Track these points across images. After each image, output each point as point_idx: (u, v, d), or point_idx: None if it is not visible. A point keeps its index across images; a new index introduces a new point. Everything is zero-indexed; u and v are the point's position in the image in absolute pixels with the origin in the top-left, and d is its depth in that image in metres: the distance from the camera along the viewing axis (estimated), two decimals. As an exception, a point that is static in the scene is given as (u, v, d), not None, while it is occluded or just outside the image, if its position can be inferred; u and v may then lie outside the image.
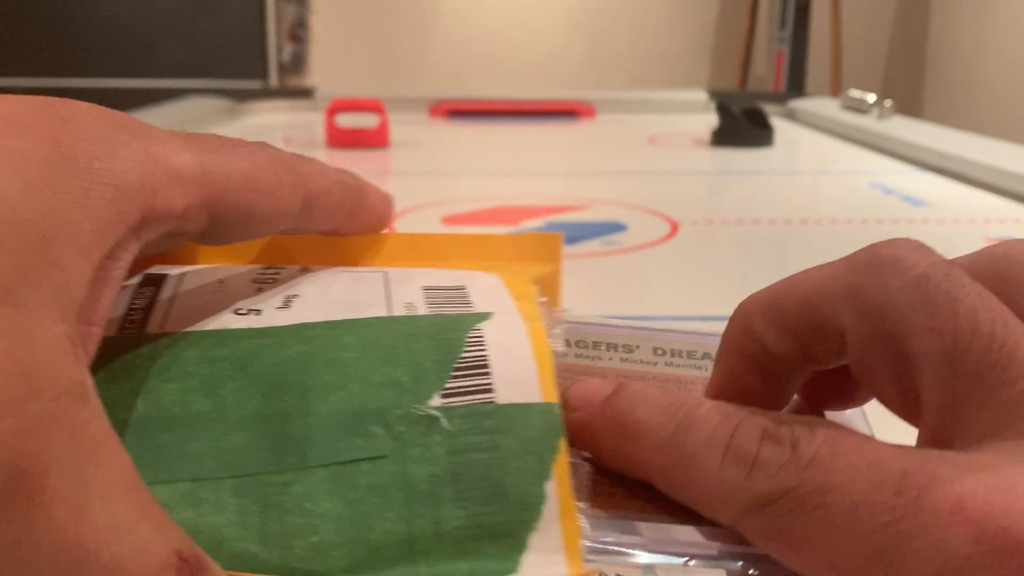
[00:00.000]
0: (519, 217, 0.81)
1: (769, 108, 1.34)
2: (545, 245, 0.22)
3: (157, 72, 2.42)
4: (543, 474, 0.15)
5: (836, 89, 2.86)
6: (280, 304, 0.17)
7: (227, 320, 0.16)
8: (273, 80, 2.70)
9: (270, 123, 1.52)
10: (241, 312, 0.16)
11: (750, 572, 0.13)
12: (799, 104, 1.56)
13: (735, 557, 0.14)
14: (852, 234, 0.76)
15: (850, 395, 0.17)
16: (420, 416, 0.15)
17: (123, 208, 0.13)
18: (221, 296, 0.17)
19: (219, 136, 0.16)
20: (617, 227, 0.77)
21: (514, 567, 0.14)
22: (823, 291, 0.15)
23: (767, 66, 3.14)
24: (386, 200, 0.19)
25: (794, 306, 0.15)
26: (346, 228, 0.19)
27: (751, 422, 0.14)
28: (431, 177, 1.09)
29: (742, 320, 0.17)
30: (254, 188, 0.16)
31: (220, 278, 0.18)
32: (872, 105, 1.32)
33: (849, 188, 1.00)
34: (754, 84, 3.19)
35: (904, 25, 3.27)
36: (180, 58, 2.47)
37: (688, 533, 0.14)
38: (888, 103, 1.28)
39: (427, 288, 0.19)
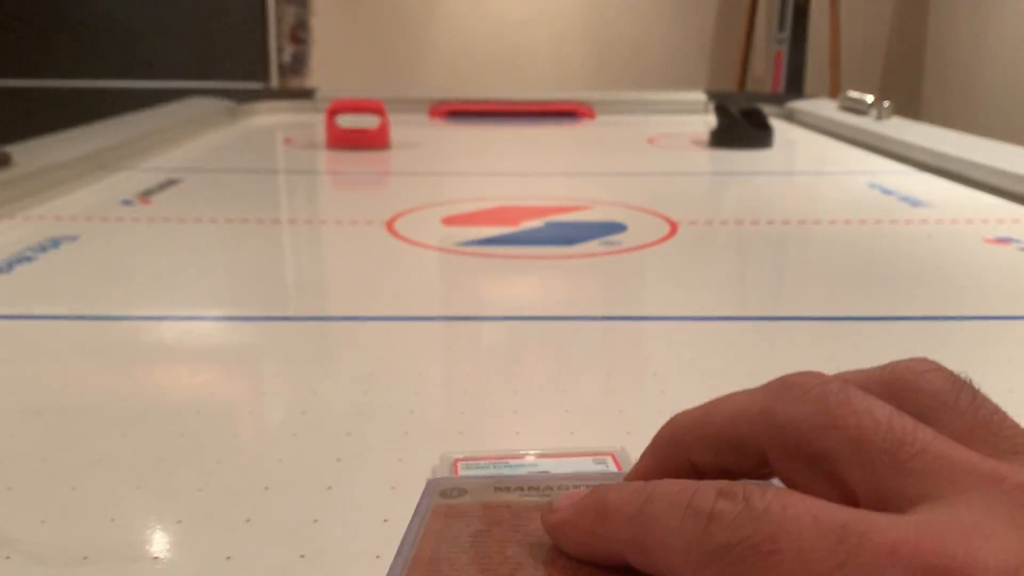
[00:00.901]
0: (519, 217, 0.82)
1: (767, 109, 1.35)
2: None
3: (160, 74, 2.43)
4: None
5: (835, 90, 2.87)
6: None
7: None
8: (274, 81, 2.70)
9: (271, 124, 1.53)
10: None
11: None
12: (797, 105, 1.57)
13: None
14: (850, 234, 0.77)
15: None
16: None
17: None
18: None
19: None
20: (617, 227, 0.78)
21: None
22: (743, 413, 0.17)
23: (766, 67, 3.16)
24: None
25: (718, 426, 0.17)
26: None
27: (707, 485, 0.15)
28: (431, 178, 1.10)
29: (673, 432, 0.19)
30: None
31: None
32: (870, 106, 1.33)
33: (847, 188, 1.01)
34: (753, 85, 3.20)
35: (902, 26, 3.28)
36: (182, 60, 2.48)
37: None
38: (886, 104, 1.29)
39: None
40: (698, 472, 0.18)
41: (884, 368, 0.17)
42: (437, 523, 0.19)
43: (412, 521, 0.19)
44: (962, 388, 0.16)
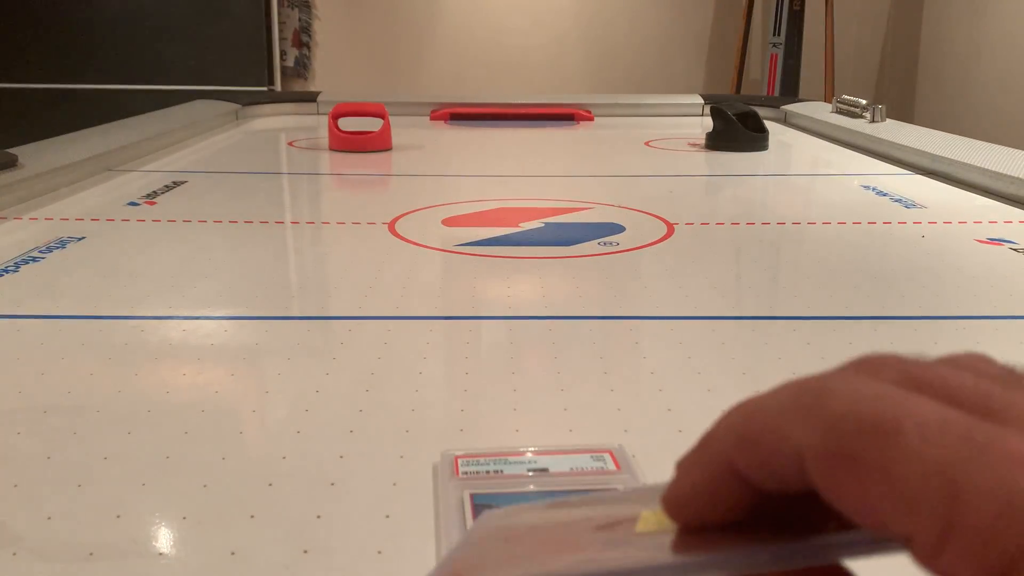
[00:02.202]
0: (518, 219, 0.82)
1: (763, 112, 1.36)
2: None
3: (164, 77, 2.44)
4: None
5: (829, 93, 2.88)
6: None
7: None
8: (277, 85, 2.71)
9: (275, 127, 1.54)
10: None
11: None
12: (793, 108, 1.58)
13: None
14: (845, 235, 0.78)
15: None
16: None
17: None
18: None
19: None
20: (614, 228, 0.79)
21: None
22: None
23: (761, 71, 3.17)
24: None
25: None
26: None
27: (812, 376, 0.14)
28: (432, 180, 1.10)
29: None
30: None
31: None
32: (864, 109, 1.34)
33: (842, 190, 1.02)
34: (749, 89, 3.21)
35: (896, 30, 3.29)
36: (187, 63, 2.49)
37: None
38: (880, 107, 1.30)
39: None
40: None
41: (943, 357, 0.16)
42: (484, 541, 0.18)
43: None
44: (1012, 370, 0.15)
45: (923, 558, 0.12)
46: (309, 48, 3.04)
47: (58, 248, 0.68)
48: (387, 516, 0.32)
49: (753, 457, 0.14)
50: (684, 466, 0.15)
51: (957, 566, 0.12)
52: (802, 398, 0.14)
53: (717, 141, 1.27)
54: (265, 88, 2.58)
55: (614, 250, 0.71)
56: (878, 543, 0.13)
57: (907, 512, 0.12)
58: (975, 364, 0.15)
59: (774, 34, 3.11)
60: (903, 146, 1.14)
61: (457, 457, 0.34)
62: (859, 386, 0.13)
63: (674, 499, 0.15)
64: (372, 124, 1.24)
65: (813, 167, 1.28)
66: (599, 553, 0.15)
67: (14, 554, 0.29)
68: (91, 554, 0.29)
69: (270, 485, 0.34)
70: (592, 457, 0.35)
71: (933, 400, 0.13)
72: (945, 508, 0.12)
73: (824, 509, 0.14)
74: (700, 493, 0.15)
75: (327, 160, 1.20)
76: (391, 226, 0.78)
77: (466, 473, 0.33)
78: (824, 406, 0.13)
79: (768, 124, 1.30)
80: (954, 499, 0.12)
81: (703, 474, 0.15)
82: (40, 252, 0.67)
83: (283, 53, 2.87)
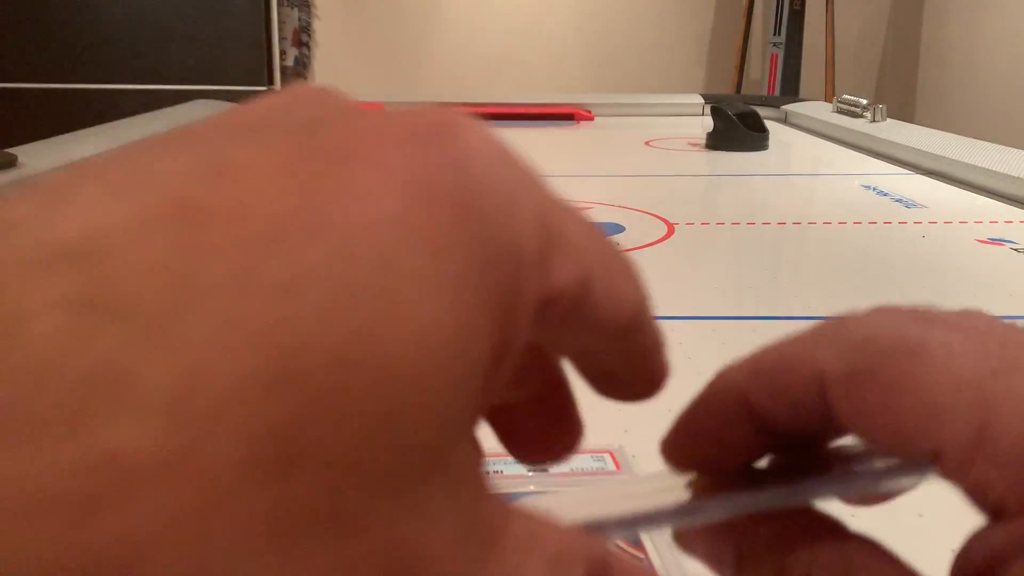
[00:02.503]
0: (519, 219, 0.82)
1: (763, 112, 1.36)
2: None
3: (164, 77, 2.44)
4: None
5: (829, 93, 2.88)
6: None
7: None
8: (277, 84, 2.71)
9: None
10: None
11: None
12: (793, 108, 1.58)
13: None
14: (845, 235, 0.78)
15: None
16: None
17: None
18: None
19: None
20: (614, 228, 0.79)
21: None
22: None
23: (762, 71, 3.17)
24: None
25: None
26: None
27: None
28: (431, 180, 1.10)
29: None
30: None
31: None
32: (865, 108, 1.34)
33: (842, 190, 1.02)
34: (749, 88, 3.21)
35: (897, 30, 3.29)
36: (186, 63, 2.48)
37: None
38: (881, 107, 1.30)
39: None
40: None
41: (947, 312, 0.16)
42: None
43: None
44: (1014, 324, 0.15)
45: (953, 471, 0.12)
46: (309, 48, 3.04)
47: (58, 248, 0.68)
48: (388, 516, 0.32)
49: (769, 385, 0.14)
50: (686, 410, 0.15)
51: (991, 474, 0.12)
52: (821, 330, 0.13)
53: (717, 141, 1.27)
54: (265, 88, 2.58)
55: (614, 250, 0.71)
56: (889, 473, 0.13)
57: (937, 424, 0.12)
58: (981, 316, 0.15)
59: (774, 34, 3.11)
60: (903, 146, 1.14)
61: (458, 457, 0.34)
62: (879, 316, 0.13)
63: (675, 440, 0.15)
64: (372, 124, 1.23)
65: (813, 167, 1.28)
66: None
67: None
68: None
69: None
70: (592, 457, 0.35)
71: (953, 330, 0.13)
72: (977, 417, 0.12)
73: (824, 459, 0.14)
74: (706, 430, 0.15)
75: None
76: (391, 226, 0.78)
77: (467, 473, 0.33)
78: (845, 334, 0.13)
79: (768, 124, 1.30)
80: (986, 408, 0.12)
81: (710, 409, 0.15)
82: (40, 252, 0.67)
83: (283, 53, 2.87)
